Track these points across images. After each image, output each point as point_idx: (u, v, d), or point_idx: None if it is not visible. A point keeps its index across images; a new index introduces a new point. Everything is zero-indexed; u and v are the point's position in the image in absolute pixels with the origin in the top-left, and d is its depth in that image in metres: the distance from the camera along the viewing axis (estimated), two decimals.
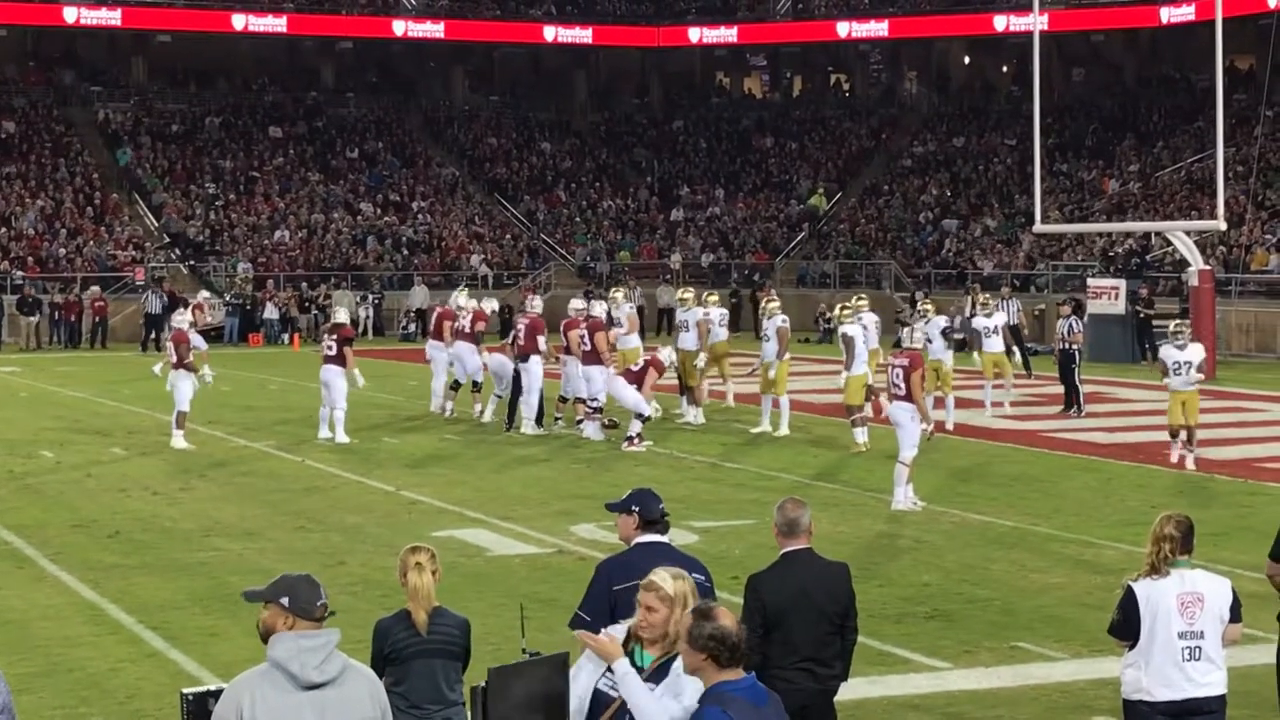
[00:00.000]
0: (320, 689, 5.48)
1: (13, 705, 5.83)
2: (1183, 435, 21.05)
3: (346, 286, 50.13)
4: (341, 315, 25.43)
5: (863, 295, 29.48)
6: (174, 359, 23.89)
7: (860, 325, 24.21)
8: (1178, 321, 22.99)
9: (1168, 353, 21.14)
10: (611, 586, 7.50)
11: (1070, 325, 27.21)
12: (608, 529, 15.62)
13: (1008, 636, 12.32)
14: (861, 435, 22.76)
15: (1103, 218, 50.32)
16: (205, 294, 41.98)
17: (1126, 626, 7.72)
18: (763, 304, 26.49)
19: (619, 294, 28.90)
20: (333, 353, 24.11)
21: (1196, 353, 21.14)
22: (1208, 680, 7.69)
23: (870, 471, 20.42)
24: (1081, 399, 27.01)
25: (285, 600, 5.67)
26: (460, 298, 27.91)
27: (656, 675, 6.20)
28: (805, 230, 58.06)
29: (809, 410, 26.83)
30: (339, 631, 5.63)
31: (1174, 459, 21.10)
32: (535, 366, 24.79)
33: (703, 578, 7.24)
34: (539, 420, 24.96)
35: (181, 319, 24.93)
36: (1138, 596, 7.67)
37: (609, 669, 6.30)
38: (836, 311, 25.14)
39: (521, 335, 25.12)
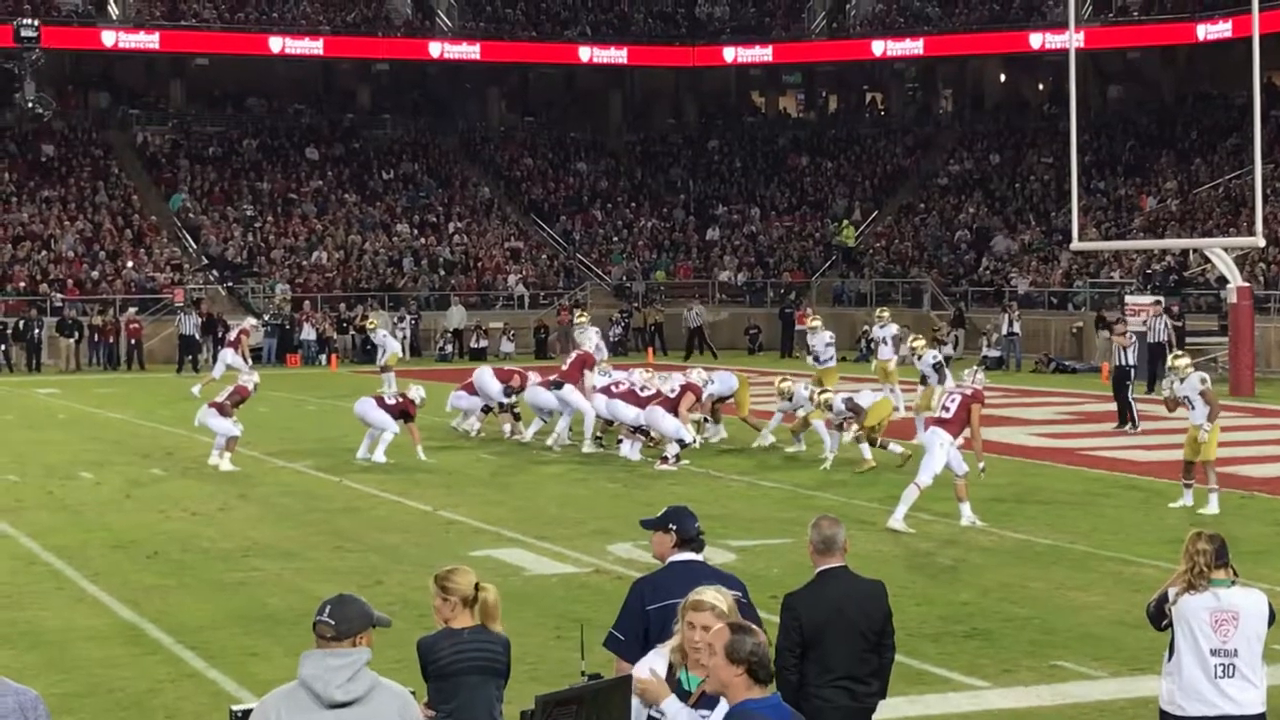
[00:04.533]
0: (345, 708, 5.49)
1: None
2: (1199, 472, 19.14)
3: (385, 308, 50.26)
4: (415, 393, 24.66)
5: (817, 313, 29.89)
6: (222, 396, 23.95)
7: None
8: (1180, 353, 21.85)
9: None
10: (645, 606, 7.47)
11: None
12: (644, 548, 15.59)
13: (1047, 655, 12.27)
14: (871, 451, 22.80)
15: (1140, 235, 50.12)
16: (252, 320, 42.16)
17: (1158, 615, 7.84)
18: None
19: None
20: (391, 403, 24.33)
21: (1191, 385, 19.07)
22: (1243, 699, 7.67)
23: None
24: (1135, 415, 27.30)
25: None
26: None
27: (706, 699, 6.16)
28: (837, 256, 57.96)
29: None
30: (369, 650, 5.63)
31: (1178, 501, 19.18)
32: (571, 391, 25.26)
33: (741, 594, 7.19)
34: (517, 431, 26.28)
35: (249, 379, 25.08)
36: (1170, 604, 7.78)
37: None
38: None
39: (567, 364, 26.01)
